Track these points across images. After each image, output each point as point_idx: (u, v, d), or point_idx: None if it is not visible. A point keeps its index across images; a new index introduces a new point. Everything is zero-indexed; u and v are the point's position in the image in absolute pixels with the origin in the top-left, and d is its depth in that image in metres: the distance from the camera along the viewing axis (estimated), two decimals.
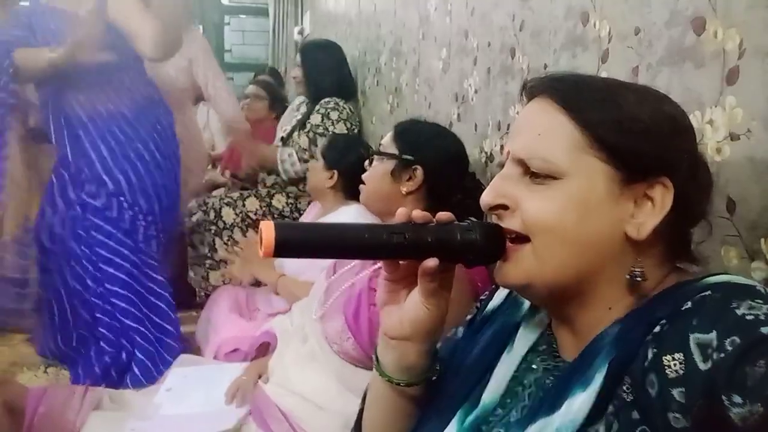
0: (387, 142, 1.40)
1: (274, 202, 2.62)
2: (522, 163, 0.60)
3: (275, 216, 2.60)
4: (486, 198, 0.61)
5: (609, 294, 0.58)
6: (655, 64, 0.94)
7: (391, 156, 1.37)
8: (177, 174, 2.13)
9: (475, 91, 1.67)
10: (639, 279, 0.57)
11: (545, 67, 1.28)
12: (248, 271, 2.07)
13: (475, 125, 1.66)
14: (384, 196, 1.38)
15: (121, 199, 1.97)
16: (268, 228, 0.56)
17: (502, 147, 1.49)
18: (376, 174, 1.39)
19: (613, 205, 0.57)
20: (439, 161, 1.36)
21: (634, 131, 0.56)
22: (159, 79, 2.20)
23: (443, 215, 0.62)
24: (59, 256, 1.99)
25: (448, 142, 1.43)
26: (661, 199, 0.56)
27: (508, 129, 1.45)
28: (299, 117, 2.81)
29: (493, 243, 0.60)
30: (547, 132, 0.59)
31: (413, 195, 1.36)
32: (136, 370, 1.91)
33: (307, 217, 2.25)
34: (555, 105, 0.59)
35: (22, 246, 2.19)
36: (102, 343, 1.91)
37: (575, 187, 0.57)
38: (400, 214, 0.61)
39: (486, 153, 1.59)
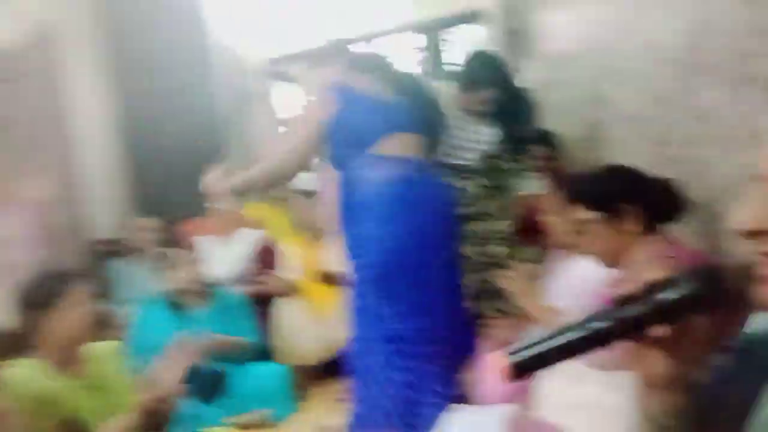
0: (581, 212, 1.50)
1: None
2: None
3: None
4: (748, 223, 0.56)
5: None
6: None
7: (596, 218, 1.45)
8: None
9: (715, 106, 1.58)
10: None
11: None
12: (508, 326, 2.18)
13: (719, 141, 1.56)
14: (616, 249, 1.46)
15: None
16: (502, 358, 0.64)
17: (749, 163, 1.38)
18: (597, 240, 1.48)
19: None
20: (629, 185, 1.46)
21: None
22: None
23: (653, 275, 0.62)
24: None
25: (618, 168, 1.54)
26: None
27: (756, 142, 1.35)
28: None
29: (710, 282, 0.60)
30: None
31: (636, 226, 1.43)
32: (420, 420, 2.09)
33: (554, 265, 2.28)
34: None
35: None
36: None
37: None
38: (615, 296, 0.63)
39: (739, 167, 1.48)
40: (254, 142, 4.48)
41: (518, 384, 1.75)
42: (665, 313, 0.61)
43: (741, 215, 0.57)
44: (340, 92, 2.13)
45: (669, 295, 0.61)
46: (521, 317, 2.19)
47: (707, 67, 1.60)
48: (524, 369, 0.64)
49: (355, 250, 2.17)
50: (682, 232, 1.67)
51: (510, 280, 2.24)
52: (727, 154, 1.53)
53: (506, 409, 1.64)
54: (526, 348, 0.65)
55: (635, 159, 1.72)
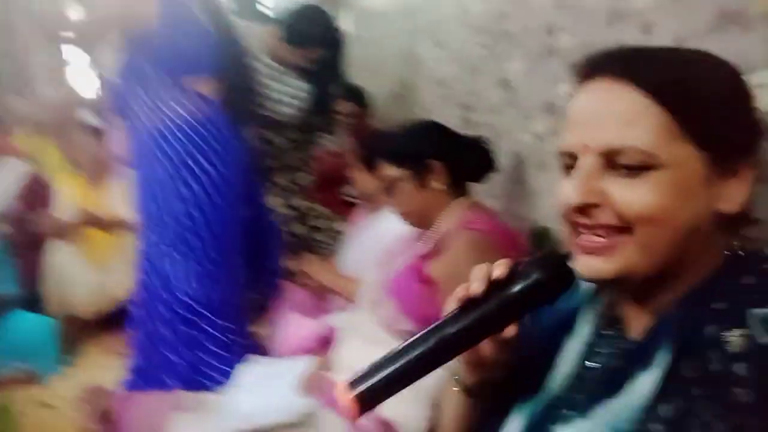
0: (388, 169, 1.47)
1: None
2: (606, 156, 0.56)
3: None
4: (575, 198, 0.57)
5: (693, 270, 0.57)
6: (702, 31, 0.92)
7: (405, 176, 1.43)
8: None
9: (519, 75, 1.66)
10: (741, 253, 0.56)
11: (588, 44, 1.27)
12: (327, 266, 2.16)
13: (521, 108, 1.66)
14: (424, 209, 1.45)
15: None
16: (344, 391, 0.56)
17: (549, 129, 1.48)
18: (405, 198, 1.45)
19: (707, 187, 0.55)
20: (437, 142, 1.45)
21: (720, 111, 0.55)
22: None
23: (499, 271, 0.60)
24: None
25: (426, 124, 1.54)
26: (747, 170, 0.56)
27: (554, 110, 1.44)
28: None
29: (558, 270, 0.59)
30: (634, 119, 0.55)
31: (443, 184, 1.43)
32: (212, 373, 1.99)
33: (358, 219, 2.30)
34: (632, 86, 0.55)
35: None
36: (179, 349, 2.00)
37: (672, 177, 0.54)
38: (460, 297, 0.60)
39: (534, 135, 1.58)
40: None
41: (317, 339, 1.77)
42: (515, 308, 0.59)
43: (569, 191, 0.57)
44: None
45: (516, 287, 0.58)
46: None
47: (514, 37, 1.67)
48: (369, 399, 0.56)
49: (148, 198, 1.96)
50: (486, 193, 1.76)
51: (307, 262, 2.22)
52: (526, 122, 1.63)
53: (302, 363, 1.61)
54: (370, 376, 0.57)
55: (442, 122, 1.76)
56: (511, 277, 0.59)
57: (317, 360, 1.60)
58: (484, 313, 0.58)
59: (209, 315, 2.02)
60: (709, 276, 0.56)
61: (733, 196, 0.56)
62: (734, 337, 0.47)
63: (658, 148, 0.54)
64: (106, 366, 2.59)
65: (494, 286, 0.59)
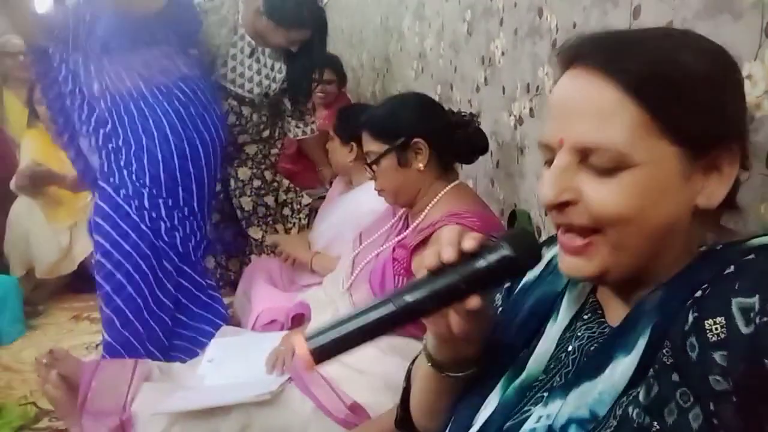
0: (369, 144, 1.41)
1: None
2: (581, 152, 0.55)
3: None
4: (548, 195, 0.56)
5: (673, 261, 0.57)
6: (691, 18, 0.92)
7: (387, 152, 1.38)
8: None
9: (502, 53, 1.64)
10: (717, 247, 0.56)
11: (574, 25, 1.26)
12: (299, 242, 2.15)
13: (503, 88, 1.64)
14: (406, 187, 1.41)
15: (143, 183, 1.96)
16: (300, 344, 0.56)
17: (531, 110, 1.47)
18: (386, 175, 1.40)
19: (684, 183, 0.55)
20: (424, 119, 1.39)
21: (701, 106, 0.53)
22: None
23: (470, 243, 0.59)
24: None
25: (415, 99, 1.47)
26: (729, 165, 0.55)
27: (537, 91, 1.43)
28: None
29: (527, 248, 0.59)
30: (608, 116, 0.54)
31: (428, 164, 1.38)
32: (183, 343, 1.97)
33: (333, 192, 2.27)
34: (607, 79, 0.54)
35: None
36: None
37: (647, 175, 0.53)
38: (429, 264, 0.59)
39: (516, 116, 1.57)
40: None
41: (288, 314, 1.75)
42: (481, 280, 0.59)
43: (544, 189, 0.57)
44: None
45: (484, 261, 0.58)
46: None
47: (499, 15, 1.65)
48: (325, 353, 0.57)
49: (115, 160, 1.92)
50: (464, 174, 1.75)
51: (278, 236, 2.20)
52: (508, 102, 1.62)
53: (273, 339, 1.60)
54: (328, 331, 0.57)
55: None
56: (480, 250, 0.59)
57: (289, 336, 1.59)
58: (448, 282, 0.58)
59: (192, 273, 2.02)
60: (691, 265, 0.56)
61: (713, 191, 0.55)
62: (716, 326, 0.47)
63: (632, 146, 0.53)
64: (67, 330, 2.56)
65: (463, 257, 0.59)
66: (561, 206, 0.57)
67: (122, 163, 1.92)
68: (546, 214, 1.33)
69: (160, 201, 1.93)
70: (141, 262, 1.87)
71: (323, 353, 0.56)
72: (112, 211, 1.89)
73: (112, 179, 1.92)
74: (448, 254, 0.59)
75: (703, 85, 0.53)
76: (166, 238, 1.92)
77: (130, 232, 1.87)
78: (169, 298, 1.93)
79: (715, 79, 0.54)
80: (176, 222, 1.95)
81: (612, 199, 0.54)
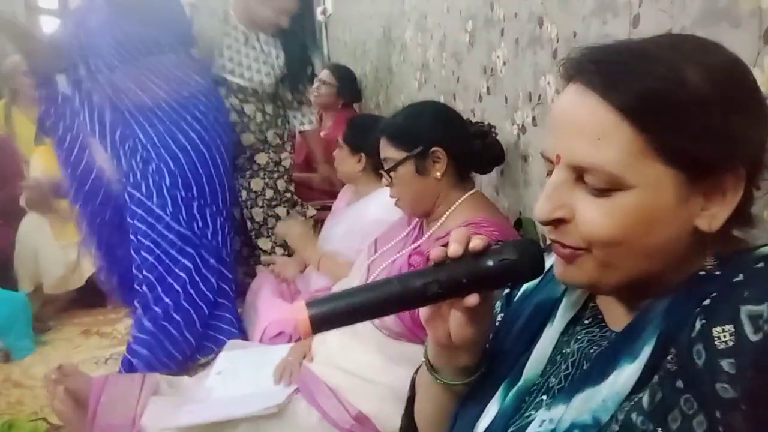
0: (387, 151, 1.41)
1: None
2: (577, 170, 0.55)
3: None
4: (542, 212, 0.57)
5: (672, 275, 0.56)
6: (690, 26, 0.92)
7: (406, 159, 1.37)
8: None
9: (504, 63, 1.65)
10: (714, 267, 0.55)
11: (575, 35, 1.26)
12: (291, 263, 2.18)
13: (506, 98, 1.65)
14: (423, 195, 1.40)
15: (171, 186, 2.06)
16: (300, 310, 0.57)
17: (533, 119, 1.48)
18: (403, 182, 1.40)
19: (682, 207, 0.53)
20: (444, 128, 1.39)
21: (702, 127, 0.51)
22: None
23: (477, 243, 0.60)
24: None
25: (435, 108, 1.47)
26: (734, 187, 0.53)
27: (539, 100, 1.44)
28: None
29: (531, 257, 0.60)
30: (603, 137, 0.53)
31: (445, 173, 1.37)
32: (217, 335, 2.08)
33: (340, 203, 2.28)
34: (604, 100, 0.53)
35: None
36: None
37: (641, 198, 0.53)
38: (435, 255, 0.60)
39: (518, 125, 1.58)
40: None
41: (301, 331, 1.75)
42: (483, 279, 0.60)
43: (538, 205, 0.57)
44: None
45: (488, 262, 0.60)
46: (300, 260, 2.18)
47: (501, 25, 1.66)
48: (322, 323, 0.57)
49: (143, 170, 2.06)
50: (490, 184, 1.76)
51: (288, 227, 2.21)
52: (510, 112, 1.62)
53: (281, 351, 1.60)
54: (330, 301, 0.58)
55: None
56: (486, 251, 0.61)
57: (297, 347, 1.59)
58: (451, 273, 0.59)
59: (227, 273, 2.17)
60: (698, 273, 0.55)
61: (714, 215, 0.54)
62: (724, 333, 0.47)
63: (626, 169, 0.52)
64: (78, 344, 2.56)
65: (468, 255, 0.60)
66: (554, 223, 0.57)
67: (150, 172, 2.05)
68: None
69: (194, 204, 2.07)
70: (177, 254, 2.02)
71: (322, 322, 0.57)
72: (147, 215, 2.03)
73: (144, 187, 2.05)
74: (455, 249, 0.60)
75: (705, 107, 0.51)
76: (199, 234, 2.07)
77: (166, 233, 2.03)
78: (207, 285, 2.08)
79: (721, 100, 0.51)
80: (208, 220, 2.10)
81: (603, 221, 0.54)
